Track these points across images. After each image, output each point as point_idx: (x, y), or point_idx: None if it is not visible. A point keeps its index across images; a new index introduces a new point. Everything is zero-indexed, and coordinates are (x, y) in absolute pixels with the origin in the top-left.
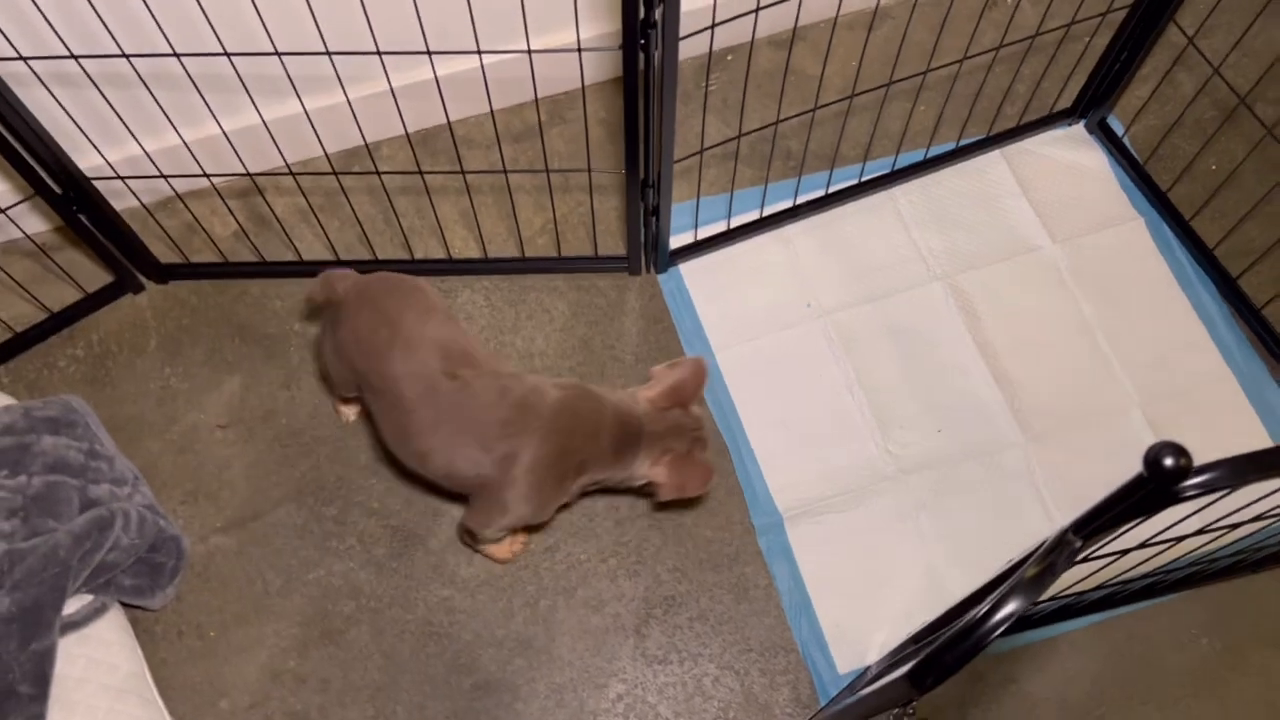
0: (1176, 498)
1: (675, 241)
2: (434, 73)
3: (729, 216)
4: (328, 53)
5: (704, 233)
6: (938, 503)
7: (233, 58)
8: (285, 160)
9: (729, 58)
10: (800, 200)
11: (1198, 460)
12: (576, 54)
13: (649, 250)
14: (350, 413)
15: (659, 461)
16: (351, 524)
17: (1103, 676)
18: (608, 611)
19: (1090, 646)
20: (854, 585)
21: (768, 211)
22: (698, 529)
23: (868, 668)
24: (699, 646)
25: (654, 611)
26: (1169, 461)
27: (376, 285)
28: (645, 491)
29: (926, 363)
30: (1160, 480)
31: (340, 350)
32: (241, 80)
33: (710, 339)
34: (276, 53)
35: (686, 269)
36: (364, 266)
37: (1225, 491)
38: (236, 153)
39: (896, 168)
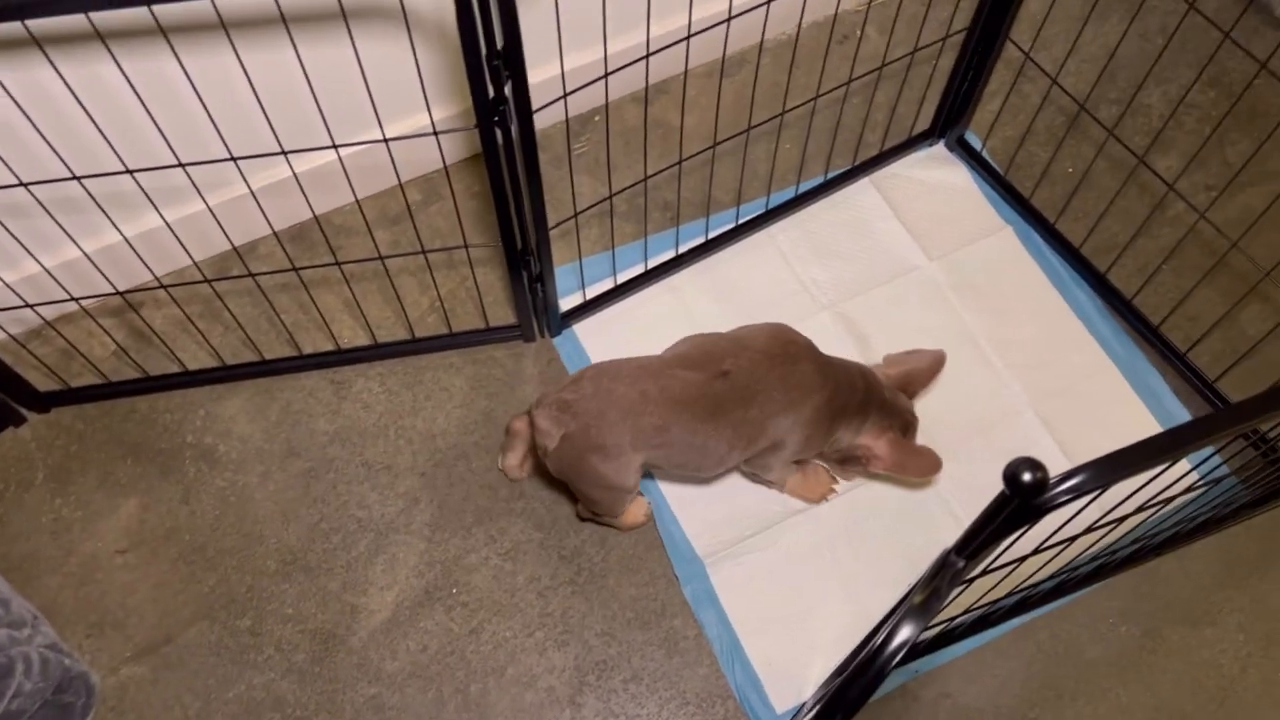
0: (1043, 510)
1: (566, 303)
2: (292, 171)
3: (614, 273)
4: (180, 165)
5: (592, 292)
6: (852, 528)
7: (82, 180)
8: (154, 274)
9: (596, 118)
10: (682, 249)
11: (1092, 451)
12: (434, 137)
13: (539, 316)
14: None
15: (881, 435)
16: (268, 633)
17: (1031, 678)
18: (540, 686)
19: (1015, 651)
20: (782, 621)
21: (652, 263)
22: (621, 589)
23: (804, 704)
24: (635, 708)
25: (587, 679)
26: (1027, 477)
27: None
28: (854, 457)
29: None
30: (1022, 496)
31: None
32: (96, 201)
33: None
34: (128, 170)
35: (581, 329)
36: (251, 369)
37: (1096, 493)
38: (103, 273)
39: (770, 207)
